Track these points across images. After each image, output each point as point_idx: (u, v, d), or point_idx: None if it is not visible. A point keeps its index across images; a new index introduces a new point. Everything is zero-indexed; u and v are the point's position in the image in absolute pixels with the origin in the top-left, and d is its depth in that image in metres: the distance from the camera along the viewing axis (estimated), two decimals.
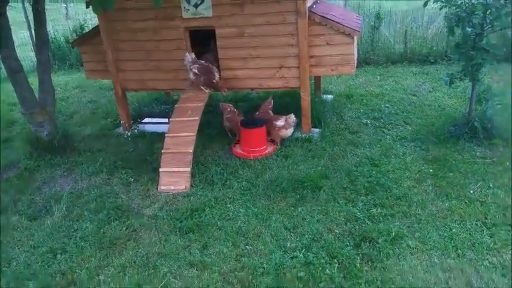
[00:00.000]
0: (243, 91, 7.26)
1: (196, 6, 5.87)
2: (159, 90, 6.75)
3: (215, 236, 4.10)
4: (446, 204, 4.24)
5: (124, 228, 4.35)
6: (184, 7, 5.88)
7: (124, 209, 4.71)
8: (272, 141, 5.91)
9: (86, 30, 11.40)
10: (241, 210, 4.47)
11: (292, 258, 3.70)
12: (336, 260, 3.59)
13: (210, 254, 3.85)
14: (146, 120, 7.06)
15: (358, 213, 4.22)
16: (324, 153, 5.56)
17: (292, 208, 4.43)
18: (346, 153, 5.53)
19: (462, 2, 5.11)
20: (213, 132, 6.31)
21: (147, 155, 5.93)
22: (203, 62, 5.92)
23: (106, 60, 6.52)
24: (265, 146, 5.75)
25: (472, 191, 4.39)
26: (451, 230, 3.86)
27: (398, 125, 6.30)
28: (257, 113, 6.21)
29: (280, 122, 5.81)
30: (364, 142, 5.78)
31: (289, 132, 5.90)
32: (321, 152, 5.59)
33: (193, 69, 5.82)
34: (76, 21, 12.12)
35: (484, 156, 5.14)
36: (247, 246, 3.91)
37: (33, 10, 5.76)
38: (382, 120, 6.45)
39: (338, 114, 6.77)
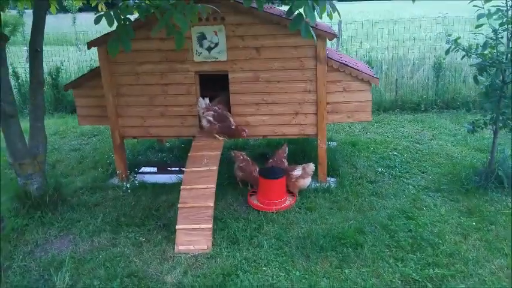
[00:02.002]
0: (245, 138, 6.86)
1: (209, 49, 5.55)
2: (162, 137, 6.25)
3: None
4: (504, 262, 3.94)
5: None
6: (197, 50, 5.55)
7: (140, 275, 4.06)
8: (290, 192, 5.50)
9: (63, 72, 10.82)
10: (281, 273, 3.95)
11: None
12: None
13: None
14: (144, 169, 6.46)
15: (414, 275, 3.82)
16: (349, 204, 5.20)
17: (339, 270, 3.97)
18: (373, 204, 5.20)
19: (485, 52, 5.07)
20: (223, 183, 5.81)
21: (153, 209, 5.33)
22: (216, 108, 5.53)
23: (102, 105, 6.02)
24: (284, 198, 5.33)
25: None
26: None
27: (414, 174, 6.10)
28: (270, 160, 5.83)
29: (297, 172, 5.43)
30: (388, 192, 5.50)
31: (307, 182, 5.52)
32: (346, 203, 5.24)
33: (208, 117, 5.41)
34: (49, 63, 11.45)
35: None
36: None
37: (30, 49, 5.21)
38: (396, 169, 6.23)
39: (349, 163, 6.51)
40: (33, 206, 5.18)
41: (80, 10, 22.37)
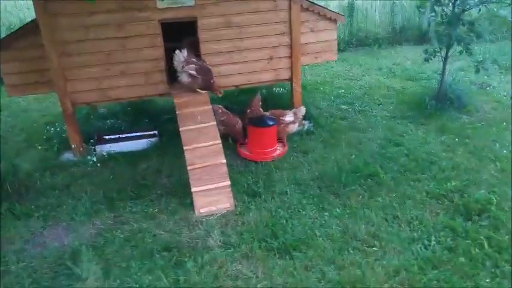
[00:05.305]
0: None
1: None
2: (124, 99, 5.48)
3: (326, 247, 3.53)
4: (494, 166, 4.56)
5: (204, 273, 3.38)
6: None
7: (179, 246, 3.67)
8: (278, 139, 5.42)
9: None
10: (324, 214, 3.96)
11: (425, 247, 3.46)
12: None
13: (344, 267, 3.31)
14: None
15: (438, 190, 4.19)
16: (338, 142, 5.36)
17: (372, 200, 4.13)
18: (358, 138, 5.44)
19: None
20: None
21: (139, 179, 4.78)
22: (195, 60, 5.05)
23: (40, 69, 5.04)
24: (276, 145, 5.25)
25: (505, 151, 4.81)
26: None
27: (373, 106, 6.49)
28: (248, 110, 5.62)
29: (289, 117, 5.36)
30: (362, 126, 5.79)
31: (296, 126, 5.49)
32: (334, 141, 5.38)
33: (190, 71, 4.90)
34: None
35: (471, 121, 5.69)
36: (374, 248, 3.49)
37: None
38: (356, 105, 6.56)
39: (311, 104, 6.62)
40: None
41: None
